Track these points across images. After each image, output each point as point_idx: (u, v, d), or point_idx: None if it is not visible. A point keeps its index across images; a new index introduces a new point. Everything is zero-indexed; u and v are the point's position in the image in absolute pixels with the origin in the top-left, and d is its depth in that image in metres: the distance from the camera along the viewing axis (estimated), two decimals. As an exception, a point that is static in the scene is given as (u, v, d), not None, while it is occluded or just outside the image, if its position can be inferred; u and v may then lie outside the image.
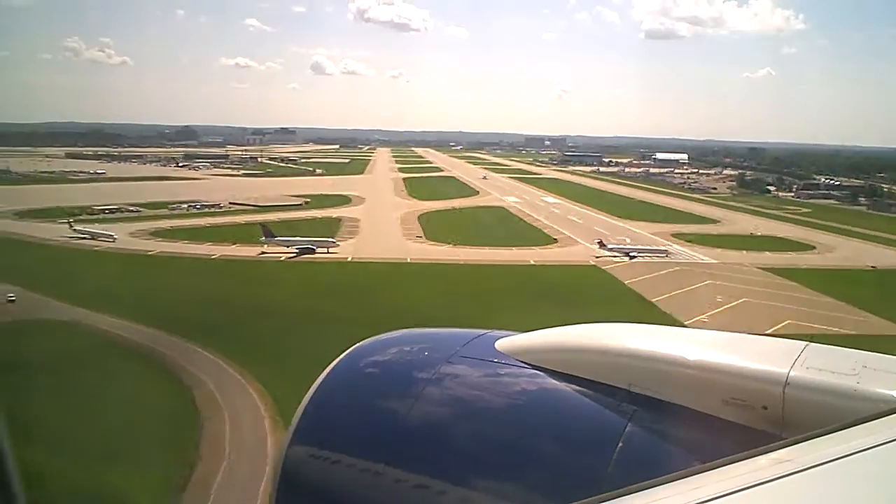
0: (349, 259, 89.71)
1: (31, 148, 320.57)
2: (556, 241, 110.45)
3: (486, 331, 3.39)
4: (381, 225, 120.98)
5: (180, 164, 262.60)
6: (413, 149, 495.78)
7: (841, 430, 2.00)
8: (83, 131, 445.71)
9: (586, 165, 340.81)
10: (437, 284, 74.85)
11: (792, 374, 2.44)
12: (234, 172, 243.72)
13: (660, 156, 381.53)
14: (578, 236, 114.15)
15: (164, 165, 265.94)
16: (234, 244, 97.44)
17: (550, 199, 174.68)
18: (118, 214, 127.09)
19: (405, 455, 2.75)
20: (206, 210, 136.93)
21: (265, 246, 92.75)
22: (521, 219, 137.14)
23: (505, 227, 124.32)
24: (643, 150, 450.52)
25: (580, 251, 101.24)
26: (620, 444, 2.50)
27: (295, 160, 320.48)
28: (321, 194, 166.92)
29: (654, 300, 72.35)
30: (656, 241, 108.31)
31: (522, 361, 3.00)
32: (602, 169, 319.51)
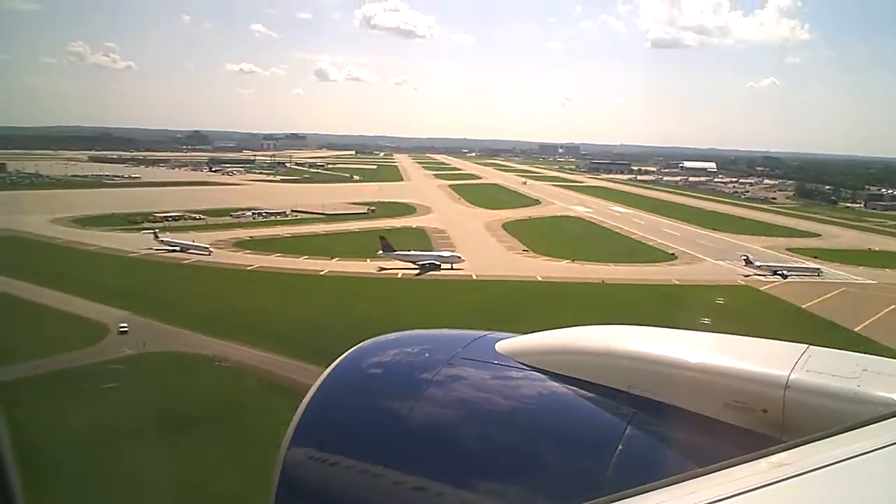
0: (474, 277, 79.80)
1: (50, 151, 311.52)
2: (674, 256, 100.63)
3: (486, 332, 3.34)
4: (470, 237, 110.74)
5: (213, 169, 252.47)
6: (430, 155, 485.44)
7: (841, 433, 1.99)
8: (93, 135, 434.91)
9: (616, 173, 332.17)
10: (606, 309, 64.77)
11: (792, 377, 2.43)
12: (271, 178, 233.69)
13: (687, 164, 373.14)
14: (694, 251, 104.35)
15: (195, 170, 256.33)
16: (333, 258, 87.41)
17: (621, 208, 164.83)
18: (182, 222, 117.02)
19: (405, 457, 2.74)
20: (273, 219, 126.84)
21: (383, 260, 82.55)
22: (611, 230, 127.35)
23: (604, 240, 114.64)
24: (659, 158, 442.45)
25: (711, 269, 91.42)
26: (620, 447, 2.50)
27: (322, 165, 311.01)
28: (380, 202, 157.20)
29: (856, 329, 62.57)
30: (785, 258, 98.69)
31: (522, 363, 2.97)
32: (639, 177, 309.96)
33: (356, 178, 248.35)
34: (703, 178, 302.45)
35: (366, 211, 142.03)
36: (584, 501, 1.80)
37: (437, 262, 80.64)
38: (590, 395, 2.73)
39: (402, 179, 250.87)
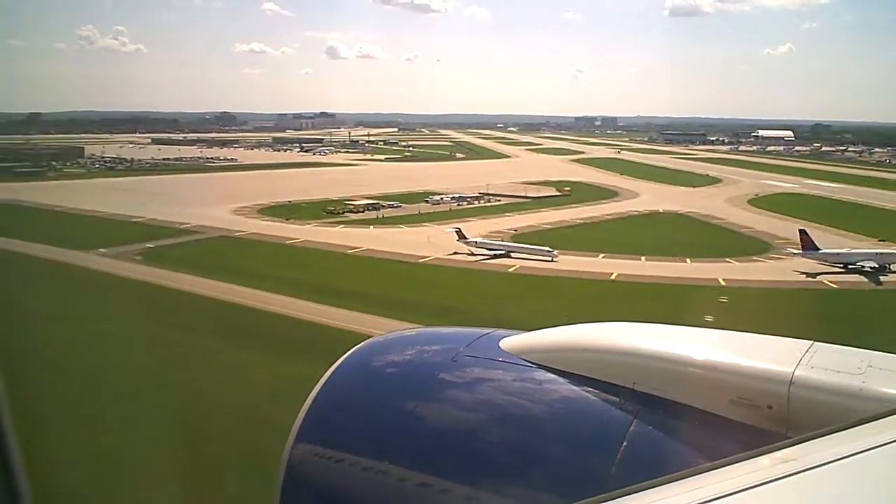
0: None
1: (106, 135, 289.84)
2: None
3: (490, 329, 3.31)
4: (765, 225, 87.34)
5: (304, 149, 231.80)
6: (480, 131, 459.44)
7: (846, 429, 2.00)
8: (130, 118, 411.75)
9: (698, 144, 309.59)
10: None
11: (797, 373, 2.43)
12: (372, 157, 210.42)
13: (763, 133, 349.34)
14: None
15: (277, 150, 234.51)
16: (685, 258, 64.92)
17: (823, 182, 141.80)
18: (385, 211, 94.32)
19: (409, 454, 2.75)
20: (479, 204, 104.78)
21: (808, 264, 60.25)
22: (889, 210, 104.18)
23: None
24: (706, 127, 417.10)
25: None
26: (625, 443, 2.49)
27: (394, 143, 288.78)
28: (550, 181, 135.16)
29: None
30: None
31: (527, 360, 2.97)
32: (742, 147, 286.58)
33: (458, 155, 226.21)
34: (807, 148, 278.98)
35: (559, 193, 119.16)
36: (591, 497, 1.81)
37: (885, 263, 57.95)
38: (595, 392, 2.71)
39: (507, 156, 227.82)
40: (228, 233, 75.70)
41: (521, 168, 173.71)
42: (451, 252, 64.98)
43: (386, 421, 2.90)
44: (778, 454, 1.79)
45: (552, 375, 2.85)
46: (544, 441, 2.65)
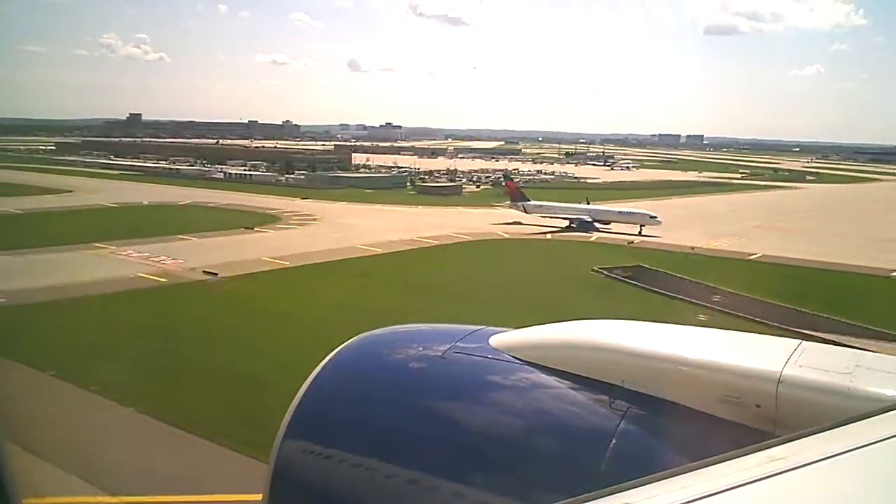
0: None
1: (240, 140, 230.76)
2: None
3: (480, 327, 3.30)
4: None
5: (608, 164, 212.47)
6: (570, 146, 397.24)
7: (834, 428, 1.98)
8: (235, 126, 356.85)
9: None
10: None
11: (785, 372, 2.42)
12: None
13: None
14: None
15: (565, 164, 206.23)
16: None
17: None
18: None
19: (398, 450, 2.74)
20: None
21: None
22: None
23: None
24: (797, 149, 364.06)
25: None
26: (614, 441, 2.49)
27: (612, 157, 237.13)
28: None
29: None
30: None
31: (517, 357, 2.96)
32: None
33: (809, 178, 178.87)
34: None
35: None
36: (578, 495, 1.79)
37: None
38: (584, 389, 2.71)
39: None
40: None
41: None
42: None
43: (376, 417, 2.86)
44: (766, 453, 1.77)
45: (541, 372, 2.82)
46: (533, 438, 2.60)
